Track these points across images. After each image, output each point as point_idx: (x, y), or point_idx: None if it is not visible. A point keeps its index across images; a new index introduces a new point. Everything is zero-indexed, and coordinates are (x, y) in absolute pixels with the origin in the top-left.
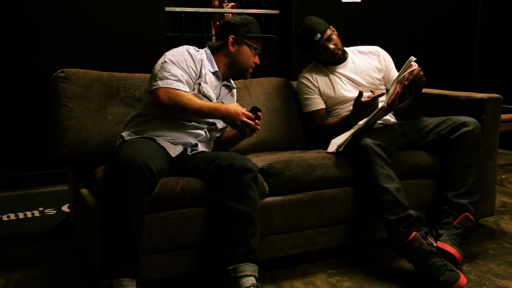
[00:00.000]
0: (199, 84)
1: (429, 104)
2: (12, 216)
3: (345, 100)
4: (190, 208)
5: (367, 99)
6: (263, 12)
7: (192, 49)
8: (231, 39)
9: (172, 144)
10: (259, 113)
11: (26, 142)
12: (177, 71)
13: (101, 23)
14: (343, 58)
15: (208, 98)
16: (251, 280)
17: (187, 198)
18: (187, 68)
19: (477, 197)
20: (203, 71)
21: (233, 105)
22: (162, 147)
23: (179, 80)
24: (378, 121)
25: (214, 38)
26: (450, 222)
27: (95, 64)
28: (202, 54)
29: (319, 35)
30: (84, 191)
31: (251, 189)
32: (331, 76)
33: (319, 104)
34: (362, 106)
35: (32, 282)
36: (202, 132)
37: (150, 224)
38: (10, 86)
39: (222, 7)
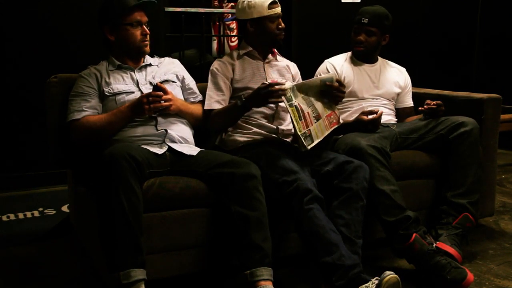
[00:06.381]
0: (103, 90)
1: None
2: (12, 216)
3: (359, 97)
4: (190, 208)
5: (371, 117)
6: None
7: (86, 70)
8: (106, 31)
9: (150, 143)
10: (158, 83)
11: (26, 142)
12: (79, 103)
13: None
14: (372, 59)
15: (125, 92)
16: (269, 284)
17: (187, 198)
18: (84, 92)
19: (476, 196)
20: (104, 78)
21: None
22: (145, 148)
23: (82, 110)
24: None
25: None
26: (449, 222)
27: None
28: (102, 65)
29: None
30: (84, 191)
31: (259, 193)
32: (357, 70)
33: None
34: (365, 123)
35: (32, 282)
36: (152, 121)
37: (150, 224)
38: (11, 86)
39: (222, 7)
